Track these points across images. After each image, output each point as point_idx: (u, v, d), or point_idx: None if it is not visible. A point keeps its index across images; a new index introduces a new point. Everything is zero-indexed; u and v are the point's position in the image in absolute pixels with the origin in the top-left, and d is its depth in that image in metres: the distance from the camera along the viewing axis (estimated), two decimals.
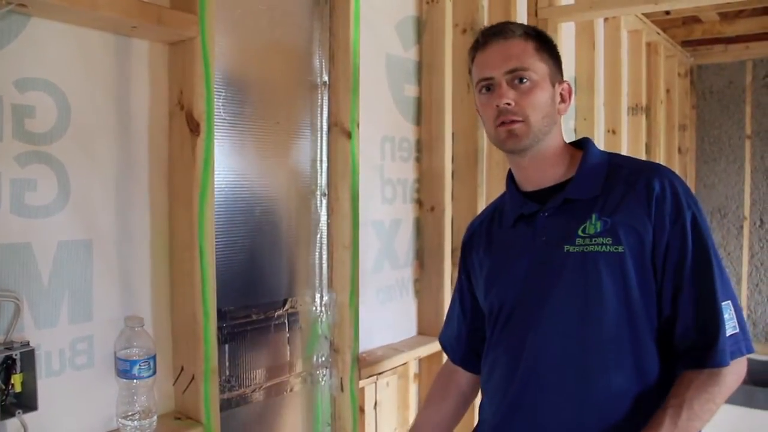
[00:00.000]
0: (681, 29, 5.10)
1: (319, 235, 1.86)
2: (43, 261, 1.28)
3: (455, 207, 2.34)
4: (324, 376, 1.89)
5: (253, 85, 1.68)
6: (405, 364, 2.14)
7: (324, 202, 1.86)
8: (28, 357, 1.21)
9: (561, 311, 1.28)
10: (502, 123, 1.31)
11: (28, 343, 1.22)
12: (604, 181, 1.31)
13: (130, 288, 1.42)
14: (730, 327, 1.21)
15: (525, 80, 1.30)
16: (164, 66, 1.47)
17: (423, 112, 2.25)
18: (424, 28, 2.25)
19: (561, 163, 1.36)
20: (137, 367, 1.35)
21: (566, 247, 1.28)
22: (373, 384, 2.02)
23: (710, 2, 2.75)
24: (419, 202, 2.27)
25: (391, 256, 2.17)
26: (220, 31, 1.47)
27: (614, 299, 1.24)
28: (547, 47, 1.35)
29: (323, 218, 1.87)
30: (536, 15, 2.85)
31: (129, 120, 1.41)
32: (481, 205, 2.39)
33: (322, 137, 1.85)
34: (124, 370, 1.35)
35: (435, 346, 2.22)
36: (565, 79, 1.39)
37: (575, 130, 3.35)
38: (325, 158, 1.86)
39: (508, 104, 1.29)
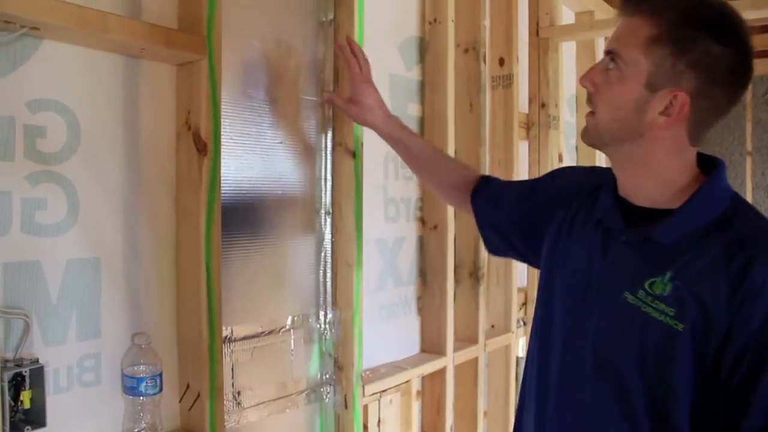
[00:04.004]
0: None
1: (323, 254, 1.88)
2: (52, 279, 1.29)
3: (458, 225, 2.35)
4: (328, 393, 1.90)
5: (258, 106, 1.70)
6: (408, 381, 2.15)
7: (328, 220, 1.88)
8: (37, 374, 1.22)
9: (590, 362, 1.14)
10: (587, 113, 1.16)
11: (37, 360, 1.23)
12: (703, 232, 1.07)
13: (137, 305, 1.43)
14: None
15: (613, 66, 1.09)
16: (172, 87, 1.49)
17: (426, 130, 2.27)
18: (426, 48, 2.27)
19: (667, 187, 1.13)
20: (144, 384, 1.36)
21: (625, 294, 1.11)
22: (377, 401, 2.03)
23: None
24: (422, 221, 2.28)
25: (395, 274, 2.19)
26: (227, 52, 1.50)
27: (650, 374, 1.07)
28: (677, 42, 1.04)
29: (327, 237, 1.88)
30: (537, 34, 2.89)
31: (137, 140, 1.43)
32: None
33: (326, 157, 1.87)
34: (131, 387, 1.36)
35: (438, 364, 2.23)
36: (680, 87, 1.06)
37: (576, 147, 3.37)
38: (329, 177, 1.88)
39: (587, 87, 1.14)
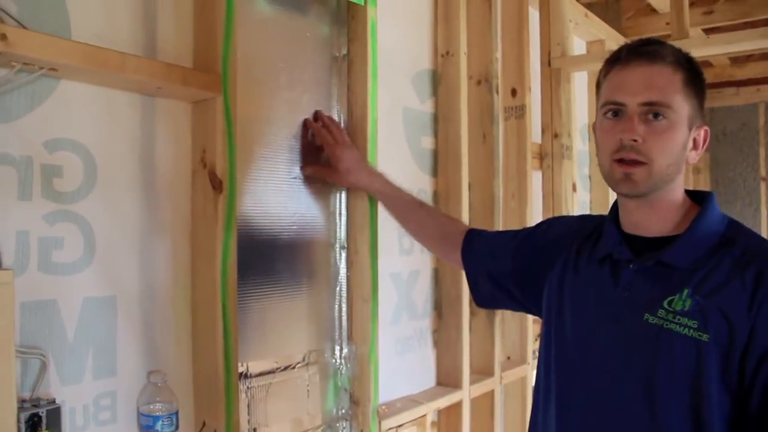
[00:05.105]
0: None
1: (338, 288, 1.87)
2: (69, 317, 1.29)
3: None
4: (344, 428, 1.88)
5: (273, 141, 1.71)
6: (424, 415, 2.13)
7: (343, 254, 1.88)
8: (54, 414, 1.22)
9: (620, 391, 1.17)
10: (621, 160, 1.15)
11: (54, 401, 1.23)
12: (710, 253, 1.14)
13: (152, 343, 1.43)
14: None
15: (661, 117, 1.14)
16: (187, 124, 1.50)
17: (439, 163, 2.27)
18: (439, 81, 2.28)
19: (672, 217, 1.20)
20: (160, 422, 1.35)
21: (646, 316, 1.15)
22: None
23: (722, 51, 2.79)
24: None
25: (410, 307, 2.17)
26: (241, 89, 1.51)
27: (682, 389, 1.11)
28: (696, 82, 1.17)
29: (342, 271, 1.88)
30: (549, 65, 2.90)
31: (153, 178, 1.44)
32: None
33: (341, 190, 1.87)
34: (147, 425, 1.36)
35: (454, 397, 2.21)
36: (703, 124, 1.20)
37: (590, 176, 3.36)
38: (343, 211, 1.88)
39: (635, 141, 1.14)
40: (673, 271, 1.16)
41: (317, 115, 1.77)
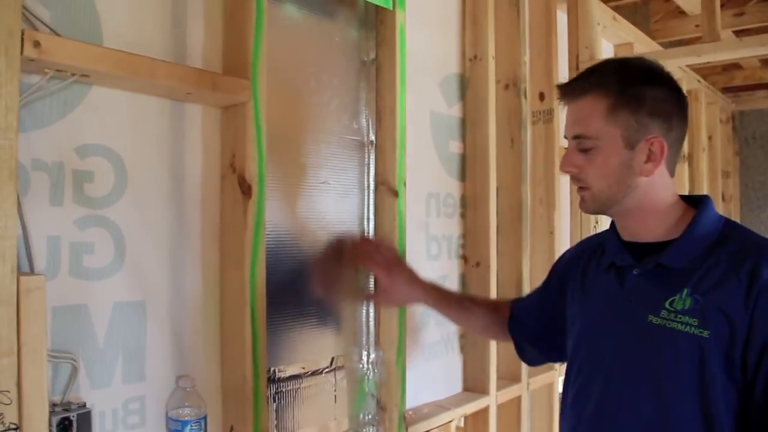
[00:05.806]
0: (721, 76, 5.09)
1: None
2: (99, 322, 1.30)
3: (500, 262, 2.33)
4: None
5: (302, 146, 1.71)
6: (451, 421, 2.12)
7: None
8: (85, 418, 1.23)
9: (629, 390, 1.20)
10: (578, 187, 1.27)
11: (84, 405, 1.24)
12: (707, 252, 1.18)
13: (181, 348, 1.44)
14: None
15: (590, 146, 1.21)
16: (217, 129, 1.50)
17: (467, 167, 2.26)
18: (467, 85, 2.27)
19: (665, 221, 1.24)
20: (189, 427, 1.36)
21: (650, 317, 1.19)
22: None
23: (754, 54, 2.75)
24: (464, 258, 2.27)
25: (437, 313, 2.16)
26: (270, 94, 1.50)
27: (689, 386, 1.13)
28: (629, 102, 1.19)
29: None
30: (577, 68, 2.87)
31: (182, 183, 1.44)
32: (526, 260, 2.38)
33: (369, 196, 1.87)
34: (176, 430, 1.36)
35: (481, 403, 2.20)
36: (651, 134, 1.19)
37: None
38: (372, 216, 1.88)
39: (574, 171, 1.24)
40: (673, 272, 1.19)
41: (357, 243, 1.59)
